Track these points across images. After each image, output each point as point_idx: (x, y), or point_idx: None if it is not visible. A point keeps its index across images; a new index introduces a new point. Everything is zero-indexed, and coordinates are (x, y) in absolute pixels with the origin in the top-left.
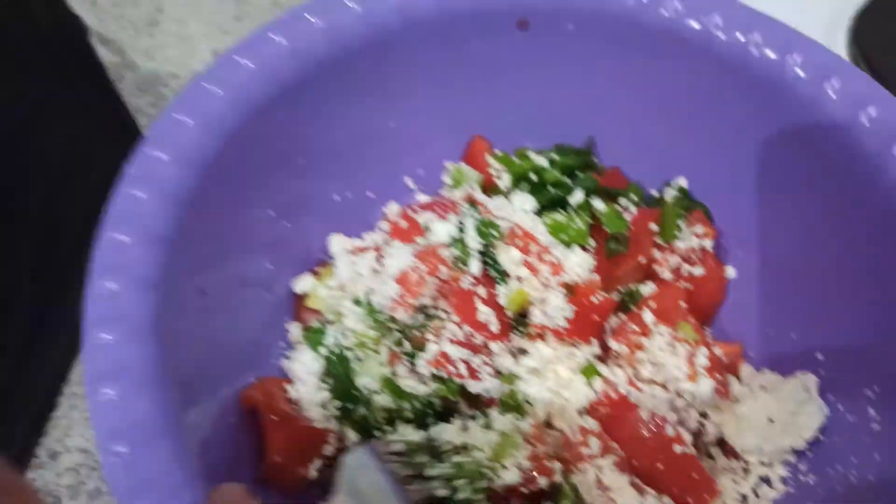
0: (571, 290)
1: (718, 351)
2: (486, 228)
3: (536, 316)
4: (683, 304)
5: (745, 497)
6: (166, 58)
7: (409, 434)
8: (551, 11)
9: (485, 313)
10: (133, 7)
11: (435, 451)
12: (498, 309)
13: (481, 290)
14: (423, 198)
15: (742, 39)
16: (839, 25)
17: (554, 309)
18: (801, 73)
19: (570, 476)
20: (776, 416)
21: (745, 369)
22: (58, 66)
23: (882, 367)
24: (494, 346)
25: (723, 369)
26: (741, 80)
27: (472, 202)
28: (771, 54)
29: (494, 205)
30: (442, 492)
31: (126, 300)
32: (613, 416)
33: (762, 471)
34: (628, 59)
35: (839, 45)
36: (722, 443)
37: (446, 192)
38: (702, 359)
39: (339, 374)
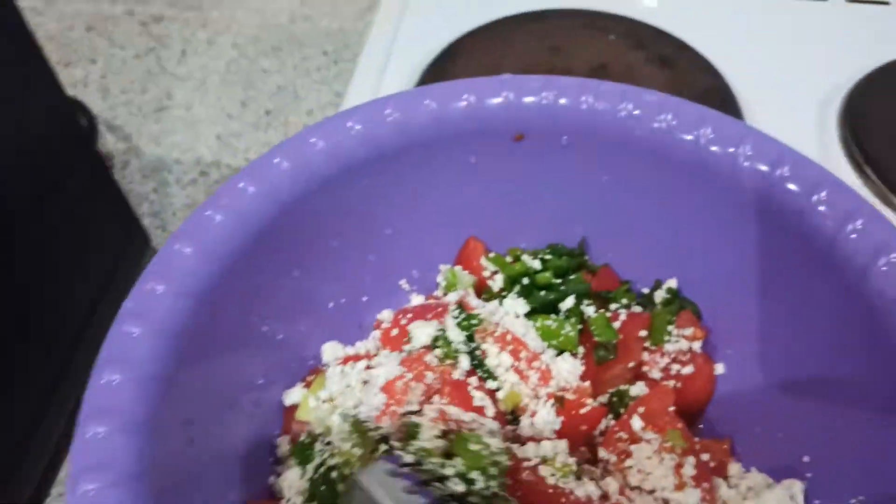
0: (561, 402)
1: (706, 456)
2: (468, 321)
3: (525, 428)
4: (672, 408)
5: None
6: (172, 143)
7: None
8: (546, 127)
9: (479, 398)
10: (141, 94)
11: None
12: (492, 396)
13: (473, 380)
14: (417, 299)
15: (732, 151)
16: (832, 104)
17: (541, 421)
18: (791, 186)
19: None
20: None
21: (734, 468)
22: (58, 158)
23: (867, 480)
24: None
25: (710, 475)
26: (732, 190)
27: (462, 307)
28: (761, 167)
29: (487, 310)
30: (460, 487)
31: (113, 447)
32: None
33: None
34: (621, 167)
35: (831, 125)
36: None
37: (440, 293)
38: (689, 468)
39: (322, 497)
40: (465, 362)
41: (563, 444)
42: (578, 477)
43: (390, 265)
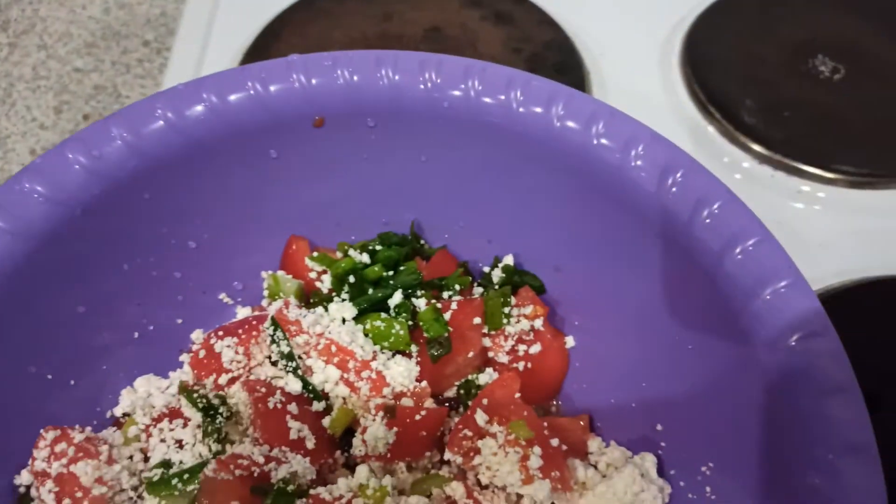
0: (392, 413)
1: (555, 442)
2: (282, 338)
3: (357, 447)
4: (517, 395)
5: None
6: None
7: None
8: (345, 108)
9: (297, 430)
10: None
11: None
12: (317, 421)
13: (293, 407)
14: (243, 312)
15: (543, 112)
16: (673, 45)
17: (372, 437)
18: (605, 142)
19: None
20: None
21: (594, 443)
22: None
23: (715, 444)
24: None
25: (562, 462)
26: (550, 152)
27: (278, 323)
28: (573, 124)
29: (309, 320)
30: None
31: None
32: None
33: None
34: (438, 143)
35: (674, 66)
36: None
37: (266, 303)
38: (535, 460)
39: None
40: (293, 383)
41: (363, 471)
42: (402, 492)
43: (203, 280)
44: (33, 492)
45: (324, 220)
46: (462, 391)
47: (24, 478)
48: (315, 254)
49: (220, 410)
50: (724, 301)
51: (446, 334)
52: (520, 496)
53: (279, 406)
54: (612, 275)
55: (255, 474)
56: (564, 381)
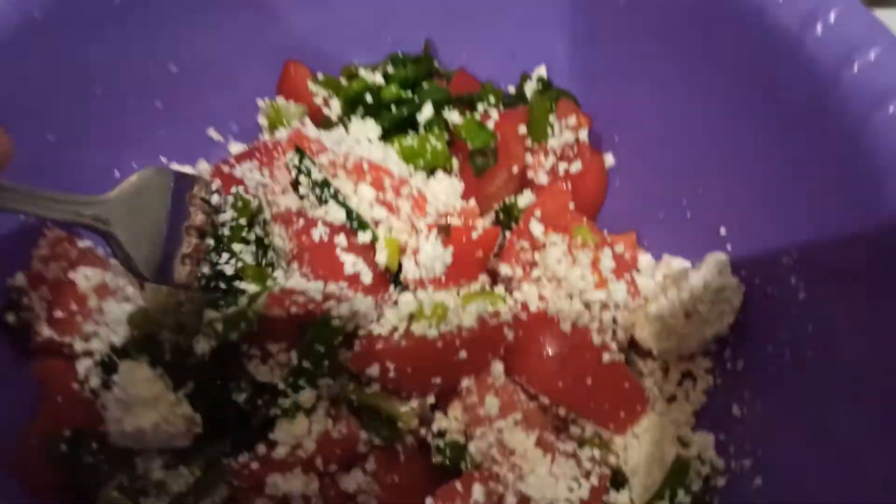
0: (447, 232)
1: (619, 247)
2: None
3: (410, 270)
4: (572, 205)
5: (673, 396)
6: None
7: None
8: None
9: (351, 263)
10: None
11: None
12: (368, 254)
13: (341, 239)
14: (237, 148)
15: None
16: None
17: (428, 258)
18: None
19: (469, 441)
20: (692, 308)
21: (644, 259)
22: None
23: (797, 228)
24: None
25: (630, 267)
26: None
27: (300, 146)
28: None
29: (331, 140)
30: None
31: None
32: (526, 341)
33: (683, 367)
34: None
35: None
36: (634, 343)
37: (266, 136)
38: (607, 261)
39: None
40: (336, 211)
41: (408, 297)
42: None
43: (188, 111)
44: (25, 300)
45: (321, 41)
46: (503, 214)
47: (18, 279)
48: (320, 76)
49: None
50: (807, 74)
51: (492, 143)
52: (587, 305)
53: (324, 238)
54: (654, 86)
55: (312, 311)
56: (605, 204)
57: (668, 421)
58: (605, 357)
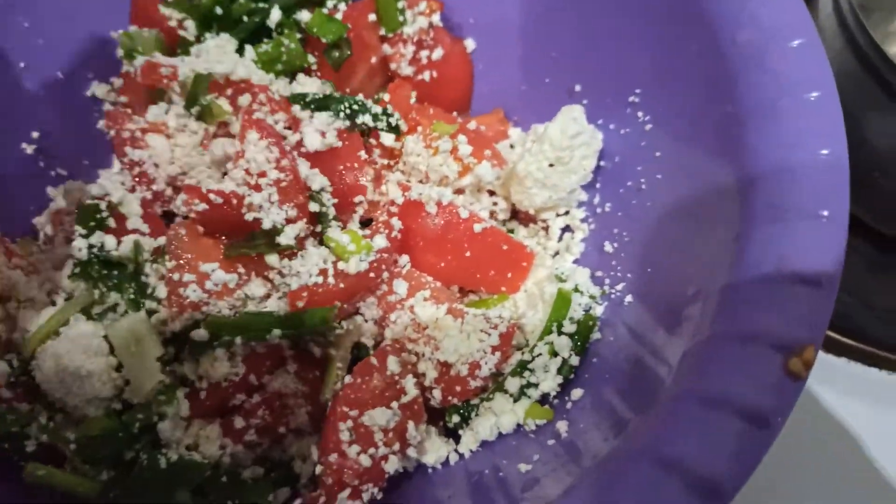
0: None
1: (472, 125)
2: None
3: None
4: (413, 98)
5: (557, 252)
6: None
7: None
8: None
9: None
10: None
11: None
12: None
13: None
14: (99, 89)
15: None
16: None
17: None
18: None
19: (384, 328)
20: (554, 157)
21: (514, 133)
22: None
23: (636, 70)
24: None
25: (489, 141)
26: None
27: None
28: None
29: (186, 65)
30: None
31: None
32: (408, 228)
33: (561, 222)
34: None
35: None
36: (516, 213)
37: (126, 66)
38: (464, 147)
39: None
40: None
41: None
42: None
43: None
44: None
45: None
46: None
47: None
48: None
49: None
50: None
51: (344, 33)
52: (460, 191)
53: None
54: None
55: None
56: (474, 88)
57: (549, 272)
58: (477, 227)
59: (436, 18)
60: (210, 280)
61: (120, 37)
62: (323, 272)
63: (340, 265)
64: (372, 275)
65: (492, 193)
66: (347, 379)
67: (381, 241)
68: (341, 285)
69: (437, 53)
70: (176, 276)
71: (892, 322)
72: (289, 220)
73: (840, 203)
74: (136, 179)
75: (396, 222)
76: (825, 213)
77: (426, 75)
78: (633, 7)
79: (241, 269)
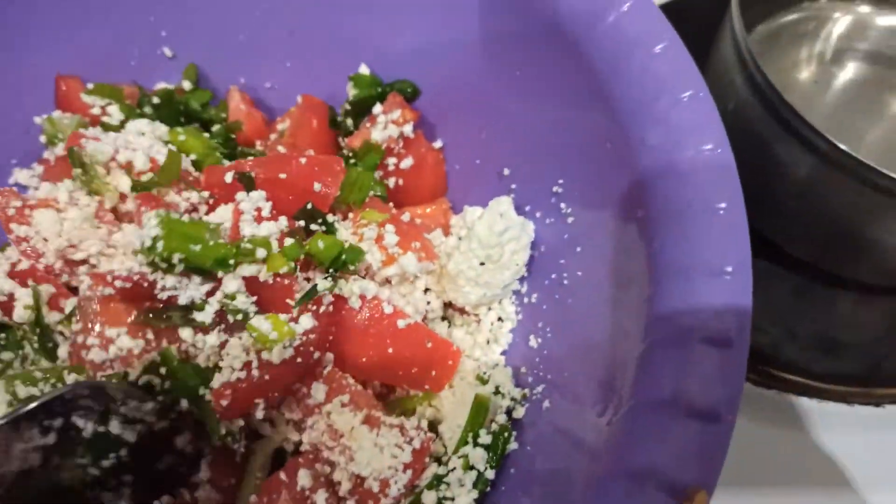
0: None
1: (406, 216)
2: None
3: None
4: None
5: (487, 341)
6: None
7: None
8: None
9: None
10: None
11: None
12: None
13: None
14: (21, 175)
15: None
16: None
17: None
18: None
19: (301, 433)
20: (483, 255)
21: (455, 221)
22: None
23: (557, 159)
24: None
25: (420, 233)
26: None
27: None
28: None
29: (107, 144)
30: None
31: None
32: (333, 325)
33: (493, 315)
34: None
35: None
36: (449, 304)
37: (47, 155)
38: (391, 237)
39: None
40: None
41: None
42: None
43: None
44: None
45: (90, 48)
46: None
47: None
48: (90, 86)
49: None
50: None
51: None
52: (388, 280)
53: None
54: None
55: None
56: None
57: (477, 365)
58: (401, 323)
59: (408, 129)
60: (115, 345)
61: (43, 122)
62: (247, 365)
63: (264, 355)
64: (299, 360)
65: (426, 291)
66: (253, 499)
67: (307, 322)
68: (266, 377)
69: (406, 162)
70: (80, 339)
71: (816, 349)
72: (209, 294)
73: (744, 259)
74: (24, 254)
75: (327, 297)
76: (729, 268)
77: (391, 182)
78: (543, 91)
79: (150, 336)
